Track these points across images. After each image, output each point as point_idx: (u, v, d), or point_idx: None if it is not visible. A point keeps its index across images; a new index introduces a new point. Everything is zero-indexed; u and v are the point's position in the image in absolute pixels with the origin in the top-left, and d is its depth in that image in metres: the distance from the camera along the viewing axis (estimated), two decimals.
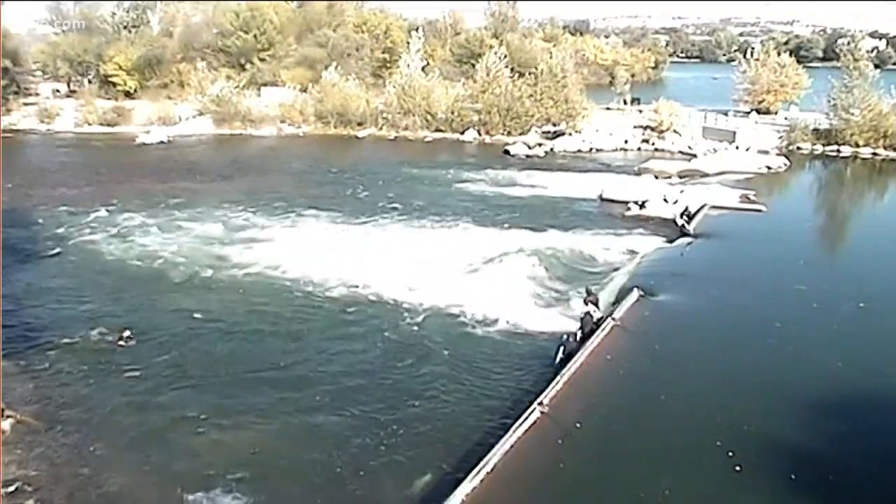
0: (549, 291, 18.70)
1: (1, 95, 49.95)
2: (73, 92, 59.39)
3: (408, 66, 50.73)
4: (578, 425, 11.23)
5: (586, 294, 17.98)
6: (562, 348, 14.55)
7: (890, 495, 9.87)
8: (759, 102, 51.61)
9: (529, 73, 49.11)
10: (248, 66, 57.27)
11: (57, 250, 22.85)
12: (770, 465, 10.15)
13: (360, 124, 49.23)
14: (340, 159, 40.29)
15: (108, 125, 51.27)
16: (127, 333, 15.86)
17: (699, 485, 9.95)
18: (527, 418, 11.20)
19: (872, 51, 47.68)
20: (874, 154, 39.47)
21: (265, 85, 55.87)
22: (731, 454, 10.39)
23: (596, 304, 17.59)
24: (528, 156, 40.75)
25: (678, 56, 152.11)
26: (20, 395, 13.27)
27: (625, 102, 58.54)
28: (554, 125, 46.45)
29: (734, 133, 41.88)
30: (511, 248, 21.88)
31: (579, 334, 15.11)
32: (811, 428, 11.28)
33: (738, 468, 10.13)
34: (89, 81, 59.28)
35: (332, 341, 15.86)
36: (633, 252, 21.79)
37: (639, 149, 42.73)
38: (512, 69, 50.17)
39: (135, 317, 17.26)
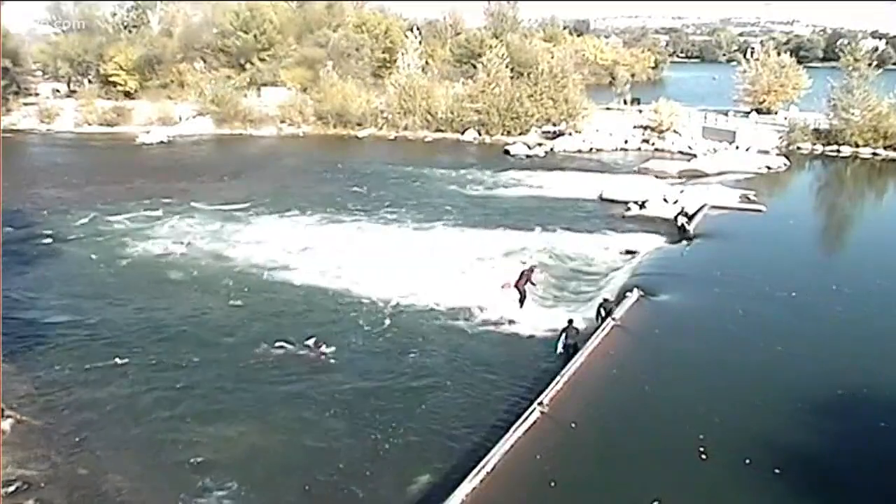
0: (548, 291, 18.69)
1: (1, 95, 49.96)
2: (73, 92, 59.45)
3: (408, 65, 50.78)
4: (578, 425, 11.23)
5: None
6: (564, 336, 14.64)
7: (890, 497, 9.88)
8: (760, 102, 51.60)
9: (529, 74, 49.11)
10: (248, 66, 57.29)
11: (56, 249, 22.87)
12: (770, 466, 10.14)
13: (359, 124, 49.26)
14: (340, 159, 40.28)
15: (108, 125, 51.33)
16: (313, 342, 15.35)
17: (698, 485, 9.95)
18: (527, 418, 11.19)
19: (873, 51, 47.43)
20: (874, 154, 39.47)
21: (265, 85, 55.90)
22: (732, 454, 10.40)
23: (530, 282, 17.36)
24: (528, 156, 40.79)
25: (678, 56, 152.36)
26: (20, 395, 13.28)
27: (625, 102, 58.57)
28: (554, 125, 46.46)
29: (734, 133, 41.87)
30: (511, 248, 21.88)
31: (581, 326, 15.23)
32: (811, 428, 11.27)
33: (737, 468, 10.14)
34: (89, 81, 59.35)
35: (330, 341, 15.82)
36: (633, 252, 21.78)
37: (639, 149, 42.74)
38: (512, 69, 50.17)
39: (135, 317, 17.30)
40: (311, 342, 15.33)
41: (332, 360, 14.90)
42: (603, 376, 12.98)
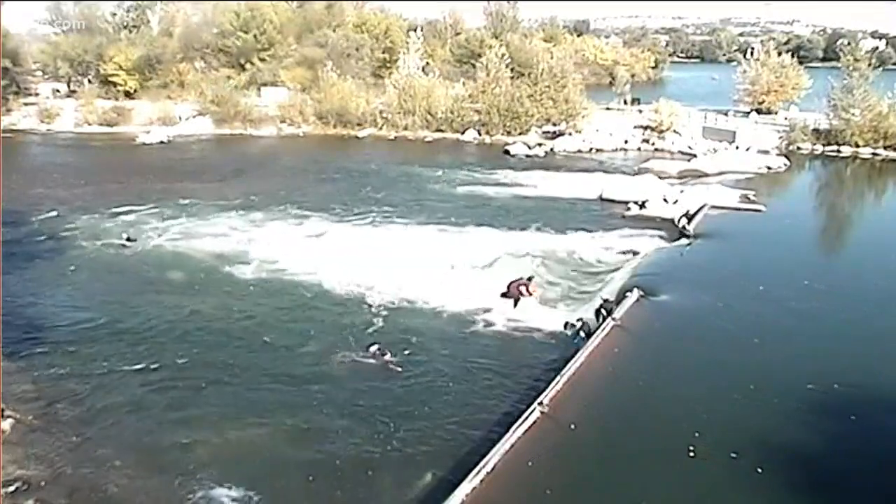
0: (548, 291, 18.67)
1: (1, 95, 49.96)
2: (73, 92, 59.42)
3: (407, 66, 50.80)
4: (578, 425, 11.23)
5: None
6: (581, 332, 15.05)
7: (889, 497, 9.88)
8: (760, 102, 51.58)
9: (529, 74, 49.10)
10: (248, 66, 57.31)
11: (56, 249, 22.87)
12: (770, 466, 10.14)
13: (359, 124, 49.26)
14: (340, 159, 40.28)
15: (108, 125, 51.33)
16: (376, 348, 14.92)
17: (699, 485, 9.95)
18: (527, 418, 11.19)
19: (873, 51, 47.46)
20: (874, 154, 39.46)
21: (265, 85, 55.90)
22: (731, 455, 10.41)
23: None
24: (528, 156, 40.76)
25: (678, 56, 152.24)
26: (20, 395, 13.27)
27: (625, 102, 58.54)
28: (554, 125, 46.46)
29: (734, 133, 41.87)
30: (511, 249, 21.86)
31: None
32: (811, 428, 11.27)
33: (737, 468, 10.15)
34: (89, 81, 59.30)
35: (330, 340, 15.82)
36: (633, 252, 21.78)
37: (639, 149, 42.73)
38: (512, 69, 50.17)
39: (136, 317, 17.27)
40: (374, 349, 15.00)
41: (331, 360, 14.89)
42: (603, 376, 12.99)
